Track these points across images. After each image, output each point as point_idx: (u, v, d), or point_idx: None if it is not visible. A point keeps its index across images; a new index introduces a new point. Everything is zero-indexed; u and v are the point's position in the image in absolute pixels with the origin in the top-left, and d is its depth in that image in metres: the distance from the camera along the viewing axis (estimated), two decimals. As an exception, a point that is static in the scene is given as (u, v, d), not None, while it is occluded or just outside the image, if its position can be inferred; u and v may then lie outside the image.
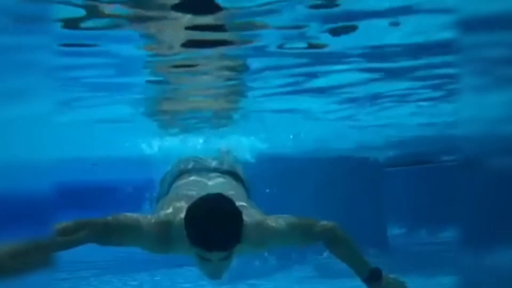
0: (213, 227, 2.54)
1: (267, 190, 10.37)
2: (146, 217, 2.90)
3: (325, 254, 11.06)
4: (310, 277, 9.37)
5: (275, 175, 11.31)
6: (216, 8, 3.47)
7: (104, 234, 2.81)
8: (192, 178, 3.42)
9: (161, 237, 2.86)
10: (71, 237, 2.74)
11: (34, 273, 2.10)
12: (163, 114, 7.67)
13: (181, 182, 3.40)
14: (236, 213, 2.62)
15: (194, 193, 3.04)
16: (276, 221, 2.97)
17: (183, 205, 2.83)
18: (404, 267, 10.61)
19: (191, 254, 2.72)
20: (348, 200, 11.76)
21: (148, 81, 5.58)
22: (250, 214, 2.93)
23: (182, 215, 2.72)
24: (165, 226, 2.86)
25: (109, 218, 2.85)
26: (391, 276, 3.16)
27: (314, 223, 3.09)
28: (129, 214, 2.88)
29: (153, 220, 2.87)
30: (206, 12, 3.53)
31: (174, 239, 2.85)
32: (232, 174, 3.59)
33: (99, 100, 6.53)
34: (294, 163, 11.50)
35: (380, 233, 12.33)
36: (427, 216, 14.72)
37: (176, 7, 3.42)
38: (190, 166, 3.65)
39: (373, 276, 3.11)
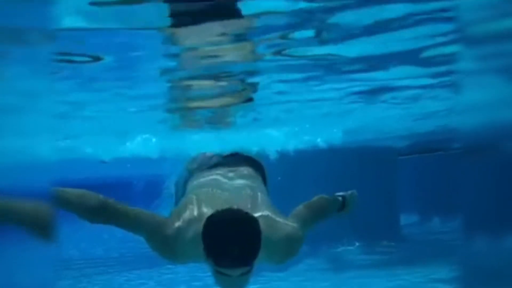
0: (232, 244, 2.48)
1: (279, 178, 10.33)
2: (164, 221, 2.85)
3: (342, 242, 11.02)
4: (322, 269, 9.32)
5: (287, 166, 11.27)
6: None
7: (120, 224, 2.85)
8: (208, 177, 3.21)
9: (174, 247, 2.81)
10: (91, 213, 2.86)
11: (33, 232, 2.08)
12: (177, 109, 7.62)
13: (196, 182, 3.24)
14: (255, 228, 2.55)
15: (210, 197, 2.95)
16: (295, 227, 2.92)
17: (198, 214, 2.80)
18: (417, 257, 10.61)
19: (206, 265, 2.66)
20: (360, 189, 11.66)
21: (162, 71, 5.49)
22: (275, 225, 2.85)
23: (197, 226, 2.67)
24: (179, 236, 2.80)
25: (132, 212, 2.86)
26: (347, 194, 3.54)
27: (318, 209, 3.17)
28: (151, 214, 2.86)
29: (168, 228, 2.82)
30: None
31: (188, 249, 2.79)
32: (250, 164, 3.41)
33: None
34: (306, 154, 11.45)
35: (393, 222, 12.22)
36: (440, 205, 14.58)
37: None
38: (205, 162, 3.47)
39: (343, 206, 3.46)
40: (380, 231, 11.49)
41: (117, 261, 12.03)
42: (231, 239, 2.48)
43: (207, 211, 2.71)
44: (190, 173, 3.40)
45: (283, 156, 11.37)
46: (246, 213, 2.60)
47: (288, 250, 2.91)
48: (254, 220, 2.58)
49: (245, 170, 3.29)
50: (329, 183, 11.33)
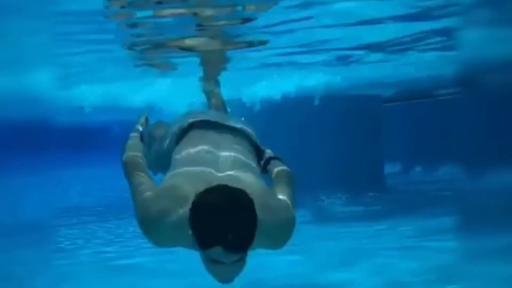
0: (225, 230, 2.17)
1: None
2: (149, 197, 2.57)
3: (325, 198, 10.97)
4: (307, 222, 9.20)
5: (271, 113, 11.07)
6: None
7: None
8: (197, 149, 2.83)
9: (157, 228, 2.49)
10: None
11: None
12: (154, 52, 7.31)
13: (184, 154, 2.85)
14: (250, 208, 2.25)
15: (199, 172, 2.64)
16: (289, 209, 2.68)
17: (185, 191, 2.46)
18: (401, 208, 10.57)
19: (195, 251, 2.38)
20: (345, 138, 11.51)
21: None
22: (269, 207, 2.56)
23: (184, 206, 2.36)
24: (161, 217, 2.48)
25: (138, 182, 2.69)
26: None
27: (293, 185, 2.89)
28: (144, 190, 2.61)
29: (151, 206, 2.51)
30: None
31: (173, 233, 2.46)
32: (244, 139, 3.04)
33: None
34: (290, 102, 11.23)
35: (377, 173, 12.13)
36: (424, 154, 14.51)
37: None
38: (194, 131, 3.01)
39: None
40: (365, 182, 11.41)
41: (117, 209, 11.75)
42: (222, 223, 2.17)
43: (195, 188, 2.34)
44: (176, 140, 2.99)
45: (267, 103, 11.16)
46: (239, 191, 2.28)
47: (283, 233, 2.64)
48: (249, 200, 2.26)
49: (239, 145, 2.93)
50: (312, 132, 11.25)
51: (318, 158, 11.12)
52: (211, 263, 2.26)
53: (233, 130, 3.04)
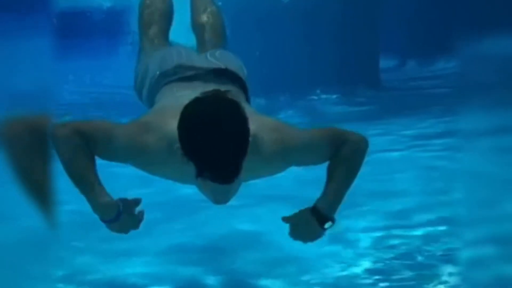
0: (218, 143, 2.05)
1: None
2: (138, 126, 2.46)
3: (318, 92, 10.47)
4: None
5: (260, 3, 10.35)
6: None
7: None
8: (183, 92, 2.60)
9: (149, 155, 2.40)
10: None
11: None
12: None
13: (168, 96, 2.69)
14: (244, 120, 2.14)
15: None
16: (295, 131, 2.57)
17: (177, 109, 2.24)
18: (395, 107, 10.15)
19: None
20: (336, 28, 10.79)
21: None
22: (262, 121, 2.45)
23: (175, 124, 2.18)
24: (153, 141, 2.40)
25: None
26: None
27: (341, 134, 2.74)
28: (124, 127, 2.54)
29: (141, 133, 2.41)
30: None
31: (165, 156, 2.35)
32: (232, 81, 2.86)
33: None
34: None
35: (372, 68, 11.54)
36: (420, 45, 13.86)
37: None
38: (179, 71, 2.85)
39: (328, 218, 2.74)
40: (358, 78, 10.87)
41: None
42: (215, 133, 2.04)
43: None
44: (159, 82, 2.78)
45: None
46: (231, 99, 2.16)
47: (274, 153, 2.46)
48: (242, 111, 2.15)
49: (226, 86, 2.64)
50: (303, 23, 10.48)
51: (306, 51, 10.43)
52: (201, 180, 2.16)
53: (220, 73, 2.85)
